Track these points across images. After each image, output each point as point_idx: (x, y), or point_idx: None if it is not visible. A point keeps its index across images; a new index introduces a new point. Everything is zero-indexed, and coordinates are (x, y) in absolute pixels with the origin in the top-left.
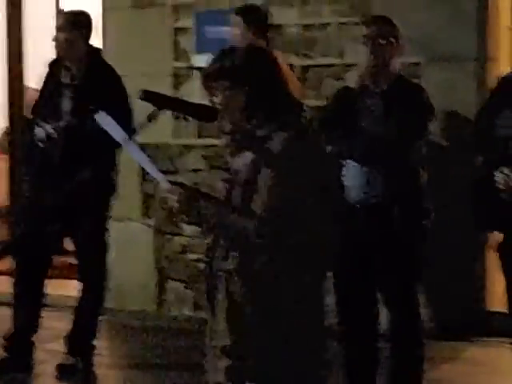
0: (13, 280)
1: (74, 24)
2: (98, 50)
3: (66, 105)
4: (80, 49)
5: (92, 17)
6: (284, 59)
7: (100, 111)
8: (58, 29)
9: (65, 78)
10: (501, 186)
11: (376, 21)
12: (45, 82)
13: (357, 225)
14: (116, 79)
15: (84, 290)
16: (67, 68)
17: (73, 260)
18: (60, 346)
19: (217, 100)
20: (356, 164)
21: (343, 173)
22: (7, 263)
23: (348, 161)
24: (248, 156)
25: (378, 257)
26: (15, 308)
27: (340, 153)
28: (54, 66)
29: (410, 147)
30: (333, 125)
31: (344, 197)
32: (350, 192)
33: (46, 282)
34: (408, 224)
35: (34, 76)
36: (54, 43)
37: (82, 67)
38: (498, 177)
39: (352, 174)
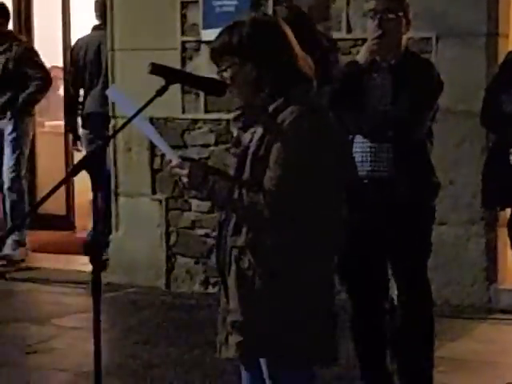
0: None
1: None
2: None
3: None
4: None
5: None
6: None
7: (111, 85)
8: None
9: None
10: None
11: None
12: None
13: (365, 199)
14: None
15: None
16: None
17: (81, 235)
18: (70, 322)
19: (226, 74)
20: (364, 139)
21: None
22: None
23: (356, 136)
24: (258, 130)
25: (387, 231)
26: None
27: (348, 128)
28: None
29: (417, 123)
30: (341, 100)
31: (357, 172)
32: (358, 167)
33: (56, 257)
34: (417, 198)
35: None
36: None
37: None
38: None
39: (360, 149)
